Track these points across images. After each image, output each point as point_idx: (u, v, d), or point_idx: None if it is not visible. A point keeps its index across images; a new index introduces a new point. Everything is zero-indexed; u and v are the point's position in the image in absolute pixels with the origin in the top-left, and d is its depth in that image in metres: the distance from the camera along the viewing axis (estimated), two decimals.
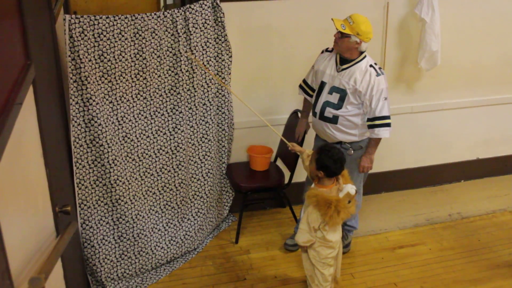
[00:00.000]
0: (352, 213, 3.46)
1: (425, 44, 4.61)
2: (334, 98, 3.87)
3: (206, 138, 4.26)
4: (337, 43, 3.81)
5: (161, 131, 4.00)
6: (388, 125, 3.86)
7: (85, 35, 3.53)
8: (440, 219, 4.89)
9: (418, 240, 4.56)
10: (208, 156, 4.30)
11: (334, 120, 3.90)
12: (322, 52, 4.03)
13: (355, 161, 4.02)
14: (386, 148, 5.10)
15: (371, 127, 3.88)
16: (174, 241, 4.18)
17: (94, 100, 3.60)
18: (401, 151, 5.22)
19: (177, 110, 4.02)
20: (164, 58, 3.88)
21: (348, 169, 4.06)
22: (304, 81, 4.16)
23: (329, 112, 3.90)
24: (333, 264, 3.59)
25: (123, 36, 3.68)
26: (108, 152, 3.72)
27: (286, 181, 4.48)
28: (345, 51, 3.81)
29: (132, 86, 3.80)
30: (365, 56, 3.86)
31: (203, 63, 4.01)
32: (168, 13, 3.81)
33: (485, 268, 4.21)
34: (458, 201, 5.20)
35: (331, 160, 3.38)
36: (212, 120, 4.25)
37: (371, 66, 3.83)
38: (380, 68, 3.85)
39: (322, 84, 3.94)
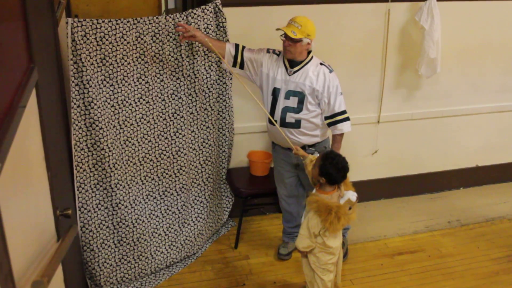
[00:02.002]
0: (353, 219, 3.45)
1: (423, 51, 4.62)
2: (293, 102, 3.83)
3: (206, 143, 4.26)
4: (289, 50, 3.76)
5: (162, 136, 4.00)
6: (348, 118, 3.87)
7: (88, 39, 3.53)
8: (440, 226, 4.89)
9: (418, 247, 4.56)
10: (209, 161, 4.30)
11: (296, 124, 3.87)
12: (268, 51, 3.93)
13: None
14: (386, 154, 5.11)
15: (332, 124, 3.87)
16: (174, 246, 4.17)
17: (95, 104, 3.60)
18: (401, 158, 5.22)
19: (178, 114, 4.03)
20: (166, 62, 3.89)
21: None
22: (243, 47, 3.95)
23: (291, 117, 3.86)
24: (333, 270, 3.58)
25: (125, 40, 3.68)
26: (109, 156, 3.72)
27: None
28: (298, 55, 3.78)
29: (134, 90, 3.80)
30: (312, 57, 3.85)
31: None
32: (170, 17, 3.82)
33: (484, 276, 4.20)
34: (458, 208, 5.20)
35: (334, 168, 3.35)
36: (212, 125, 4.25)
37: (321, 64, 3.83)
38: (329, 65, 3.86)
39: (276, 91, 3.87)
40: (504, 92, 5.34)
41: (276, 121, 3.89)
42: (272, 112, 3.91)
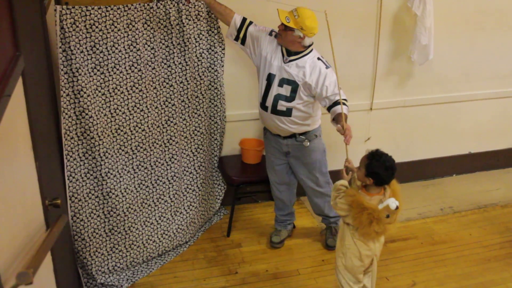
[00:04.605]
0: (389, 229, 3.20)
1: (415, 38, 4.60)
2: (286, 90, 3.79)
3: (198, 131, 4.24)
4: (281, 35, 3.74)
5: (155, 124, 3.97)
6: (347, 106, 3.66)
7: (77, 26, 3.49)
8: (432, 213, 4.89)
9: (410, 234, 4.57)
10: (201, 149, 4.28)
11: (287, 113, 3.83)
12: (271, 34, 3.87)
13: (314, 151, 4.01)
14: (379, 141, 5.10)
15: (334, 105, 3.67)
16: (166, 234, 4.16)
17: (85, 92, 3.56)
18: (393, 145, 5.21)
19: (169, 102, 4.00)
20: (158, 50, 3.85)
21: (309, 160, 4.01)
22: (250, 23, 3.90)
23: (282, 105, 3.81)
24: (361, 280, 3.37)
25: (115, 27, 3.64)
26: (99, 144, 3.69)
27: None
28: (288, 44, 3.74)
29: (126, 79, 3.77)
30: (311, 50, 3.80)
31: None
32: (161, 4, 3.78)
33: (476, 263, 4.22)
34: (450, 196, 5.21)
35: (382, 167, 3.11)
36: (204, 113, 4.23)
37: (318, 59, 3.78)
38: (327, 61, 3.80)
39: (270, 77, 3.82)
40: (496, 79, 5.33)
41: (267, 107, 3.86)
42: (264, 98, 3.87)
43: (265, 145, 4.20)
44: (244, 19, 3.89)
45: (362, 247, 3.25)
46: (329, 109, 3.74)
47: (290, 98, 3.79)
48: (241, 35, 3.89)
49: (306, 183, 4.16)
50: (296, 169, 4.10)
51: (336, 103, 3.67)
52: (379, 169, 3.11)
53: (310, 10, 3.70)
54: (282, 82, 3.79)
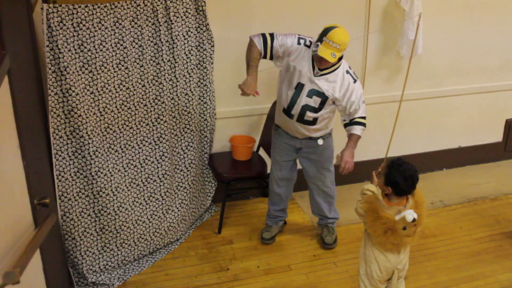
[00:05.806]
0: (408, 243, 3.17)
1: (403, 32, 4.61)
2: (315, 102, 3.78)
3: (188, 129, 4.23)
4: (325, 65, 3.68)
5: (144, 122, 3.96)
6: (364, 124, 3.86)
7: (64, 25, 3.47)
8: None
9: None
10: (191, 146, 4.28)
11: (313, 122, 3.86)
12: (299, 42, 3.78)
13: (326, 149, 4.05)
14: (368, 136, 5.11)
15: (349, 125, 3.86)
16: (158, 232, 4.15)
17: (73, 91, 3.55)
18: (383, 140, 5.22)
19: (159, 100, 3.99)
20: (146, 47, 3.84)
21: (321, 158, 4.04)
22: (272, 36, 3.82)
23: (309, 116, 3.83)
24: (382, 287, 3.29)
25: (103, 25, 3.63)
26: (88, 143, 3.68)
27: (269, 170, 4.46)
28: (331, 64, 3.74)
29: (114, 77, 3.75)
30: (342, 62, 3.80)
31: None
32: (149, 1, 3.77)
33: (466, 256, 4.24)
34: (440, 189, 5.23)
35: (401, 176, 3.01)
36: (194, 110, 4.22)
37: (347, 72, 3.79)
38: (354, 73, 3.83)
39: (299, 86, 3.79)
40: (485, 73, 5.35)
41: (293, 115, 3.86)
42: (291, 106, 3.84)
43: (275, 140, 4.16)
44: (264, 41, 3.79)
45: (380, 257, 3.19)
46: (345, 125, 3.88)
47: (318, 109, 3.81)
48: (268, 56, 3.84)
49: (313, 181, 4.19)
50: (306, 166, 4.11)
51: (352, 122, 3.83)
52: (398, 178, 3.02)
53: (340, 29, 3.64)
54: (312, 93, 3.78)
